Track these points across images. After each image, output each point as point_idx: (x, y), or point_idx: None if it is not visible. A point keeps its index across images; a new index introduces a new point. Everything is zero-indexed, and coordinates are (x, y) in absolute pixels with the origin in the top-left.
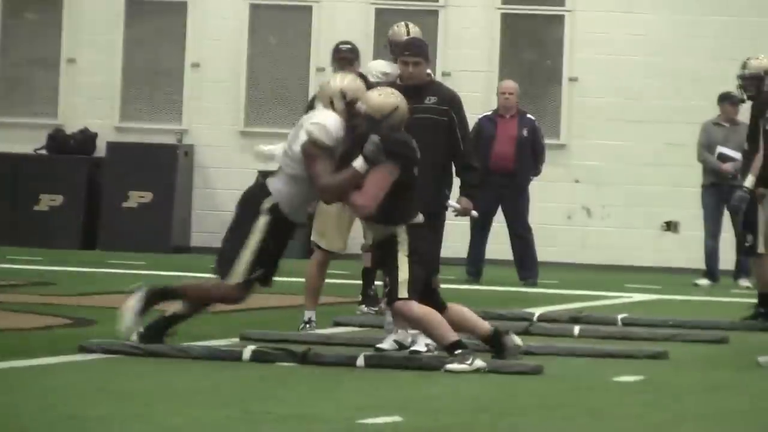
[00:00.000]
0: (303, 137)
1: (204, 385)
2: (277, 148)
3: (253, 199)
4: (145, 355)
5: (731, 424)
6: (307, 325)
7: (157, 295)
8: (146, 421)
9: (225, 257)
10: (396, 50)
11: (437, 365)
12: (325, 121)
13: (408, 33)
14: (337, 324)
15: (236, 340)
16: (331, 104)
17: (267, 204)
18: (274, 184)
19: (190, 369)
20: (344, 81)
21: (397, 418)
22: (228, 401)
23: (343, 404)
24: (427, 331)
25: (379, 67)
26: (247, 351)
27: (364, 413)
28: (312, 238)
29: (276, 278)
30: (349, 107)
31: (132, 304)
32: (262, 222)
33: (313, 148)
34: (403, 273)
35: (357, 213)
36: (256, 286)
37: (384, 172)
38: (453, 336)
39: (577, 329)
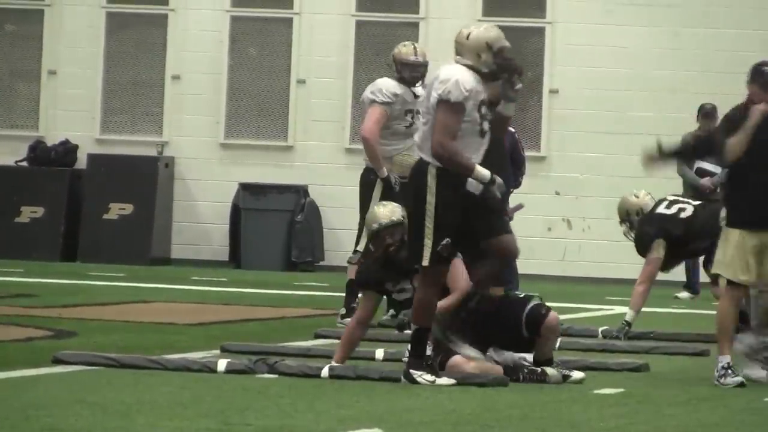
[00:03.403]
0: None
1: (184, 396)
2: None
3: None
4: (123, 367)
5: None
6: (728, 371)
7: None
8: None
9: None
10: (404, 70)
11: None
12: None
13: (415, 53)
14: (318, 336)
15: (216, 352)
16: (478, 57)
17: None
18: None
19: (170, 381)
20: (490, 33)
21: (377, 431)
22: (208, 413)
23: (323, 416)
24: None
25: (390, 87)
26: (222, 363)
27: (344, 425)
28: (714, 270)
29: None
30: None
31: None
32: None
33: (442, 105)
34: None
35: None
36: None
37: None
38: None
39: (557, 342)
